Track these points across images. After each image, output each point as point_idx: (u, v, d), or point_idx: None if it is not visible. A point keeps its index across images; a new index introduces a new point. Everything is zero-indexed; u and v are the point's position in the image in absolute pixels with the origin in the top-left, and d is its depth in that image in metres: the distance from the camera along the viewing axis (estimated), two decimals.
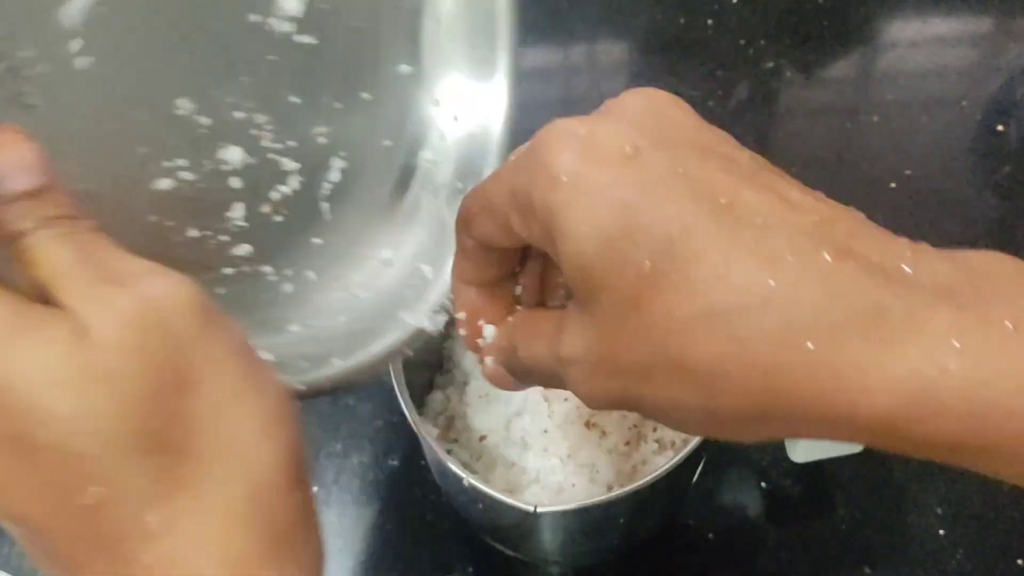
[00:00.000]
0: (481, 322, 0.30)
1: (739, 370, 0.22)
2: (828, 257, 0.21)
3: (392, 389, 0.38)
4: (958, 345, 0.20)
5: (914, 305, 0.21)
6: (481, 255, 0.29)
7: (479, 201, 0.27)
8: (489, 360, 0.30)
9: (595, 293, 0.23)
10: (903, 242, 0.23)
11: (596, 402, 0.26)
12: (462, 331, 0.31)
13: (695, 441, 0.36)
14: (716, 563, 0.53)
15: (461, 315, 0.30)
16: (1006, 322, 0.20)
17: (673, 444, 0.41)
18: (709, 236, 0.22)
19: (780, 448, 0.50)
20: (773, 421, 0.22)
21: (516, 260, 0.30)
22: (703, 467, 0.46)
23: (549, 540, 0.42)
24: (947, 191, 0.69)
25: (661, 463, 0.36)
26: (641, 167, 0.23)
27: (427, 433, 0.37)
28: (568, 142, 0.24)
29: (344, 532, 0.55)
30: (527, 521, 0.39)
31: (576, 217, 0.23)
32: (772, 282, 0.21)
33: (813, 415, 0.21)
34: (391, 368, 0.39)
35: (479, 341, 0.30)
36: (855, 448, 0.48)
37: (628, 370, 0.24)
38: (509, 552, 0.49)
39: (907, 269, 0.22)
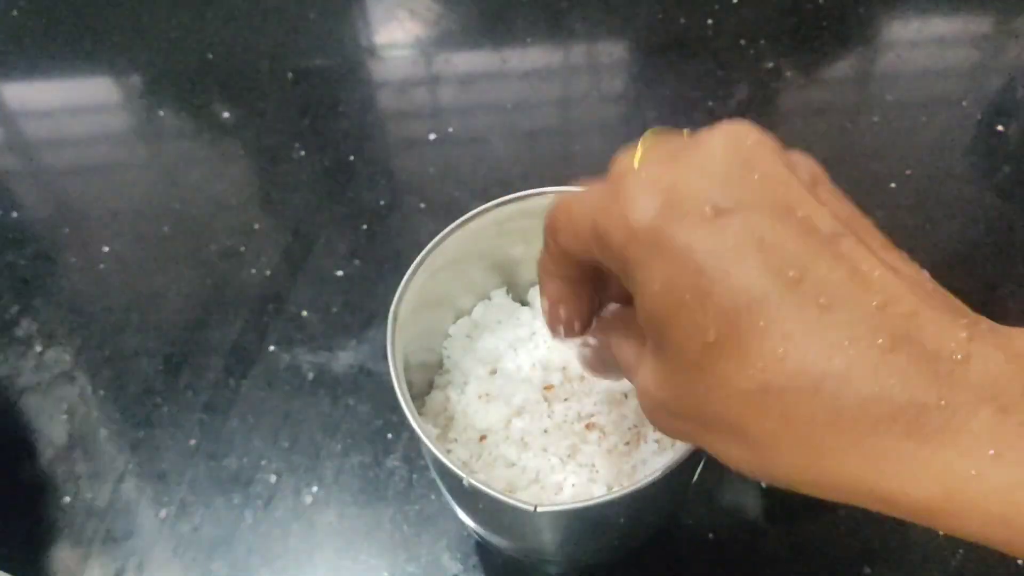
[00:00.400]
0: (562, 310, 0.32)
1: (789, 447, 0.23)
2: (884, 344, 0.22)
3: (391, 389, 0.38)
4: (992, 452, 0.21)
5: (958, 405, 0.21)
6: (565, 258, 0.30)
7: (565, 217, 0.28)
8: (585, 351, 0.33)
9: (664, 345, 0.25)
10: (961, 322, 0.23)
11: (662, 431, 0.28)
12: (545, 316, 0.33)
13: None
14: (716, 563, 0.53)
15: (544, 302, 0.32)
16: None
17: (673, 444, 0.40)
18: (773, 314, 0.22)
19: None
20: (822, 491, 0.24)
21: (597, 267, 0.30)
22: (703, 467, 0.46)
23: (549, 540, 0.42)
24: (947, 191, 0.69)
25: (661, 463, 0.36)
26: (719, 231, 0.23)
27: (426, 433, 0.37)
28: (649, 195, 0.24)
29: (343, 532, 0.55)
30: (527, 520, 0.39)
31: (650, 275, 0.24)
32: (826, 368, 0.22)
33: (856, 495, 0.23)
34: (390, 368, 0.39)
35: (557, 333, 0.33)
36: None
37: (691, 418, 0.25)
38: (509, 552, 0.49)
39: (958, 357, 0.22)
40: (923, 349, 0.22)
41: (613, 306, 0.33)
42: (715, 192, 0.24)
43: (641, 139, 0.29)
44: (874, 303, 0.23)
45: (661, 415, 0.27)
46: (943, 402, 0.21)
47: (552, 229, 0.29)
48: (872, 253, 0.24)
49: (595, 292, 0.32)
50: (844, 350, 0.22)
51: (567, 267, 0.30)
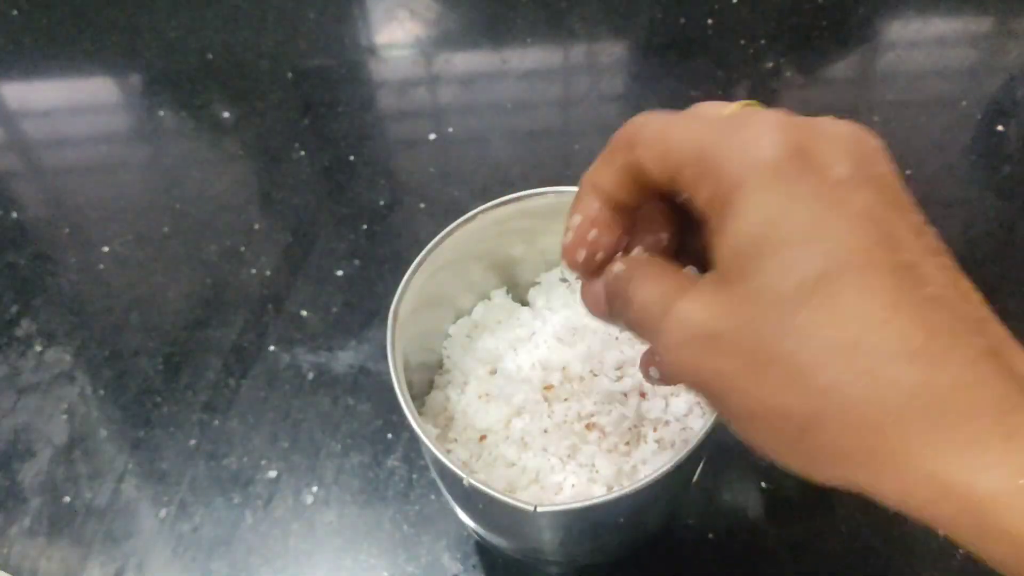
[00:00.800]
0: (593, 233, 0.30)
1: (845, 418, 0.23)
2: (981, 351, 0.23)
3: (391, 389, 0.38)
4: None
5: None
6: (627, 176, 0.29)
7: (657, 136, 0.27)
8: (597, 283, 0.31)
9: (748, 276, 0.24)
10: None
11: (677, 373, 0.26)
12: (568, 236, 0.31)
13: (695, 441, 0.36)
14: (716, 564, 0.53)
15: (576, 218, 0.30)
16: None
17: (673, 444, 0.40)
18: (877, 284, 0.23)
19: None
20: (846, 478, 0.23)
21: (648, 197, 0.30)
22: (703, 467, 0.46)
23: (549, 540, 0.42)
24: (947, 191, 0.69)
25: (661, 463, 0.36)
26: (843, 195, 0.24)
27: (426, 433, 0.37)
28: (785, 137, 0.24)
29: (343, 531, 0.55)
30: (527, 521, 0.39)
31: (764, 206, 0.24)
32: (916, 357, 0.22)
33: (888, 498, 0.23)
34: (390, 367, 0.39)
35: (577, 255, 0.31)
36: None
37: (739, 355, 0.24)
38: (509, 552, 0.49)
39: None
40: (1011, 366, 0.23)
41: (639, 250, 0.31)
42: (842, 163, 0.24)
43: (737, 103, 0.29)
44: (974, 315, 0.24)
45: (696, 349, 0.25)
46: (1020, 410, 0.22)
47: (630, 143, 0.28)
48: (966, 279, 0.25)
49: (628, 232, 0.31)
50: (942, 343, 0.22)
51: (624, 188, 0.29)
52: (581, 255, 0.31)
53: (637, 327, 0.29)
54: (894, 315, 0.22)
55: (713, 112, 0.28)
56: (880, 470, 0.23)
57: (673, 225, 0.31)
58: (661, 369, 0.27)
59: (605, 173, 0.29)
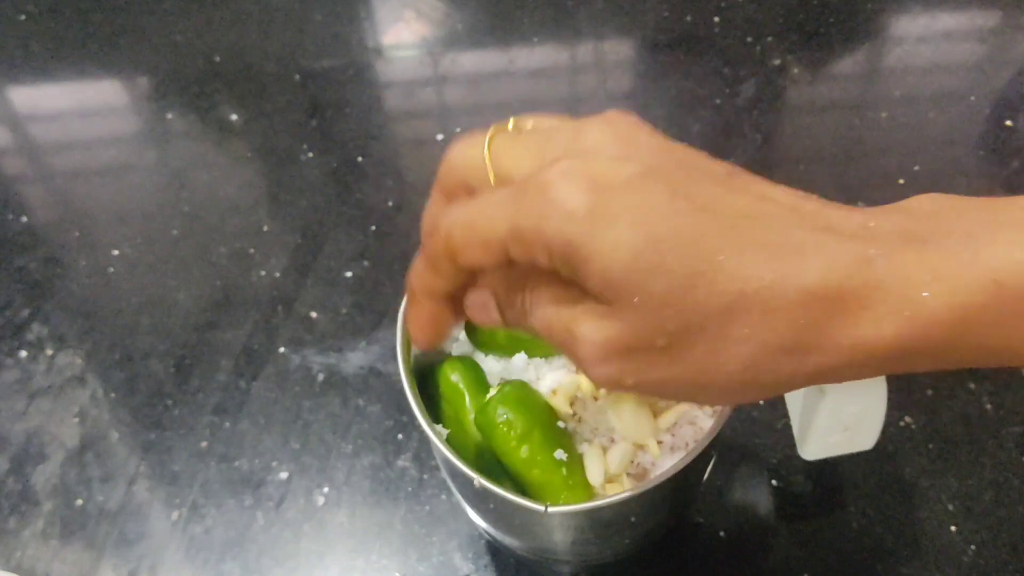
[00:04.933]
0: (438, 327, 0.33)
1: (766, 351, 0.26)
2: (811, 234, 0.25)
3: (401, 390, 0.38)
4: (928, 278, 0.24)
5: (890, 251, 0.25)
6: (456, 275, 0.31)
7: (467, 234, 0.29)
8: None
9: (626, 298, 0.26)
10: (856, 208, 0.27)
11: (602, 382, 0.28)
12: (419, 335, 0.33)
13: (705, 441, 0.36)
14: (727, 561, 0.53)
15: (419, 320, 0.33)
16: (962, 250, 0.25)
17: (685, 444, 0.40)
18: (719, 237, 0.25)
19: (791, 446, 0.50)
20: (790, 383, 0.27)
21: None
22: (713, 466, 0.46)
23: (559, 540, 0.42)
24: (956, 187, 0.69)
25: (671, 463, 0.36)
26: (645, 192, 0.26)
27: (437, 434, 0.37)
28: (575, 180, 0.26)
29: (355, 532, 0.55)
30: (538, 521, 0.39)
31: (600, 243, 0.26)
32: (778, 266, 0.25)
33: (836, 365, 0.26)
34: (400, 368, 0.39)
35: (433, 343, 0.33)
36: (866, 446, 0.48)
37: (653, 350, 0.27)
38: (520, 552, 0.49)
39: (871, 225, 0.26)
40: (841, 230, 0.26)
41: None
42: (625, 166, 0.27)
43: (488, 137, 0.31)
44: (786, 209, 0.26)
45: (612, 361, 0.27)
46: (879, 252, 0.25)
47: (451, 252, 0.29)
48: (760, 182, 0.28)
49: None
50: (790, 246, 0.25)
51: (453, 280, 0.31)
52: (430, 345, 0.34)
53: (545, 339, 0.30)
54: (745, 258, 0.25)
55: (480, 177, 0.31)
56: (831, 331, 0.25)
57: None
58: (590, 378, 0.29)
59: (434, 281, 0.32)
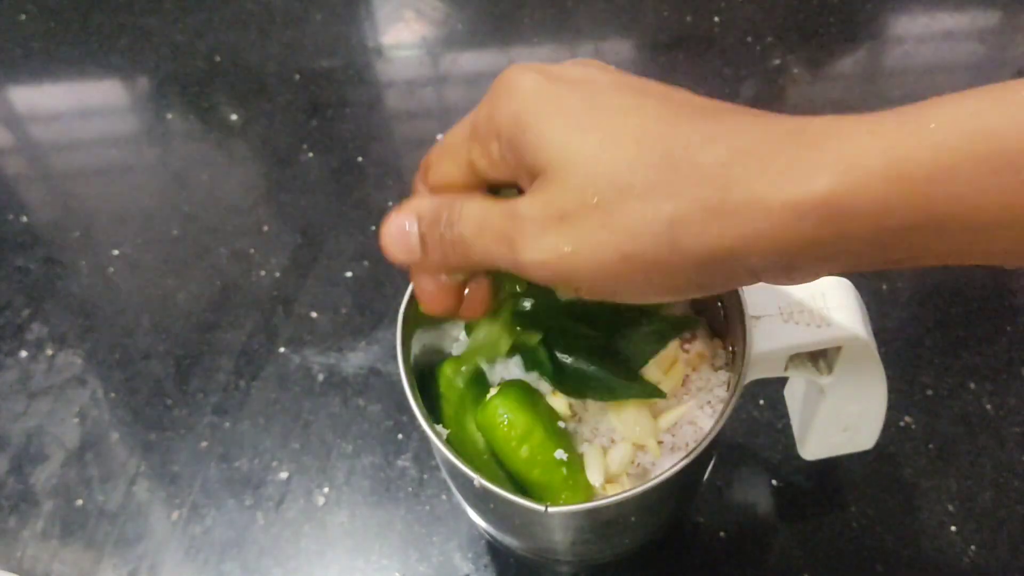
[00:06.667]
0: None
1: (692, 208, 0.25)
2: (751, 117, 0.26)
3: (401, 389, 0.38)
4: (866, 134, 0.24)
5: (825, 120, 0.25)
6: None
7: (437, 151, 0.32)
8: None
9: (561, 165, 0.27)
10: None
11: (544, 259, 0.28)
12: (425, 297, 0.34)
13: (705, 441, 0.36)
14: (727, 561, 0.53)
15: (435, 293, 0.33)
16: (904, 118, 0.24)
17: (686, 445, 0.40)
18: (657, 110, 0.27)
19: (791, 446, 0.50)
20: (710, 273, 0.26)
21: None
22: (714, 465, 0.46)
23: (560, 539, 0.42)
24: None
25: (671, 463, 0.36)
26: (588, 79, 0.28)
27: (437, 433, 0.37)
28: (527, 71, 0.29)
29: (355, 532, 0.55)
30: (538, 521, 0.39)
31: (542, 110, 0.27)
32: (710, 127, 0.26)
33: (766, 230, 0.24)
34: (400, 368, 0.39)
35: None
36: (866, 445, 0.48)
37: (587, 209, 0.26)
38: (520, 551, 0.49)
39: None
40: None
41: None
42: (574, 68, 0.29)
43: None
44: (730, 107, 0.27)
45: (549, 231, 0.27)
46: (788, 130, 0.25)
47: (423, 171, 0.33)
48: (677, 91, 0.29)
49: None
50: (723, 117, 0.26)
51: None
52: (448, 309, 0.34)
53: (486, 253, 0.30)
54: (604, 152, 0.26)
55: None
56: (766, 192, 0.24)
57: None
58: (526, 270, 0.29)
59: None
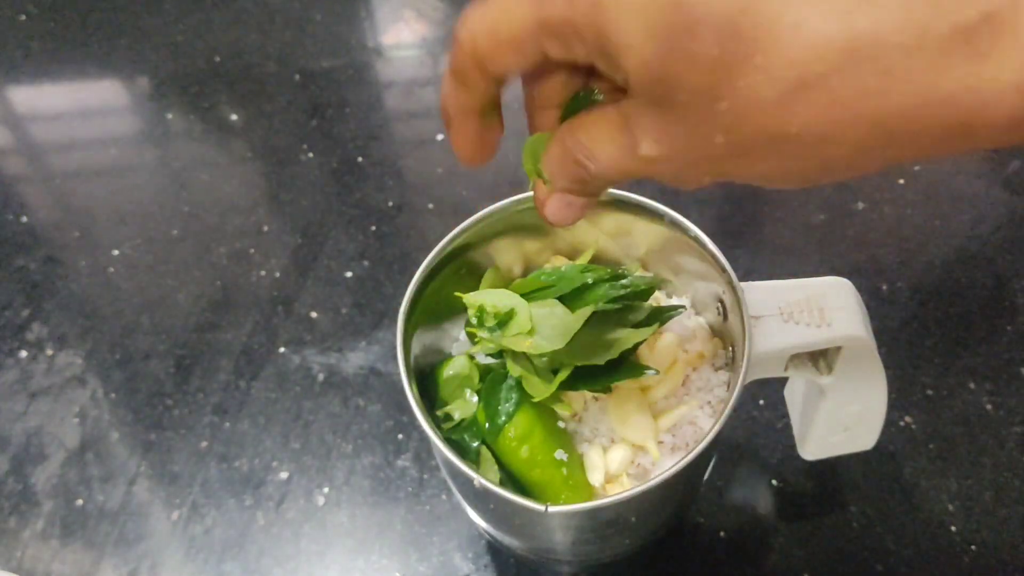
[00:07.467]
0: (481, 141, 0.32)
1: (850, 129, 0.22)
2: None
3: (401, 390, 0.38)
4: None
5: (1002, 16, 0.20)
6: (488, 86, 0.29)
7: (494, 38, 0.27)
8: (555, 198, 0.31)
9: (670, 92, 0.24)
10: None
11: (689, 186, 0.26)
12: (462, 153, 0.33)
13: (705, 441, 0.36)
14: (727, 561, 0.53)
15: (473, 139, 0.32)
16: None
17: (686, 445, 0.41)
18: (772, 6, 0.22)
19: (791, 446, 0.50)
20: (888, 154, 0.23)
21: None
22: (714, 466, 0.46)
23: (560, 539, 0.42)
24: (956, 186, 0.69)
25: (671, 463, 0.36)
26: None
27: (437, 434, 0.37)
28: None
29: (355, 532, 0.55)
30: (538, 520, 0.39)
31: (632, 29, 0.23)
32: (853, 33, 0.21)
33: (933, 140, 0.22)
34: (400, 368, 0.39)
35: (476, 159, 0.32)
36: (866, 446, 0.48)
37: (722, 154, 0.24)
38: (520, 551, 0.49)
39: None
40: None
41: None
42: None
43: None
44: None
45: (687, 169, 0.26)
46: (987, 14, 0.20)
47: (479, 61, 0.27)
48: None
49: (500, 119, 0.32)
50: (855, 5, 0.21)
51: (487, 96, 0.29)
52: (478, 160, 0.33)
53: (619, 181, 0.28)
54: (810, 29, 0.21)
55: None
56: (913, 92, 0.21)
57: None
58: (676, 186, 0.27)
59: (465, 97, 0.29)
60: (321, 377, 0.62)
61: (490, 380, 0.40)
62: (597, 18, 0.24)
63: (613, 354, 0.37)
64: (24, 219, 0.74)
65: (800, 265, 0.65)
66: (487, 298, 0.38)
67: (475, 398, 0.41)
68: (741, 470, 0.56)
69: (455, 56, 0.28)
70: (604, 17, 0.24)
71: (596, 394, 0.40)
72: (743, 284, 0.39)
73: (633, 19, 0.23)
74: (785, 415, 0.54)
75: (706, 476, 0.46)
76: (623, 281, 0.39)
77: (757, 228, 0.68)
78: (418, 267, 0.41)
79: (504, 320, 0.38)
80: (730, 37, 0.22)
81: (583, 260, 0.44)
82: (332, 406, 0.60)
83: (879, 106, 0.21)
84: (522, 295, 0.39)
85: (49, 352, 0.65)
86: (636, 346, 0.39)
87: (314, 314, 0.65)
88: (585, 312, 0.36)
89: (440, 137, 0.76)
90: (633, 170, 0.27)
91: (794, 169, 0.24)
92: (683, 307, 0.43)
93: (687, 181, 0.26)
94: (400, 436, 0.58)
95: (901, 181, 0.69)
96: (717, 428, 0.36)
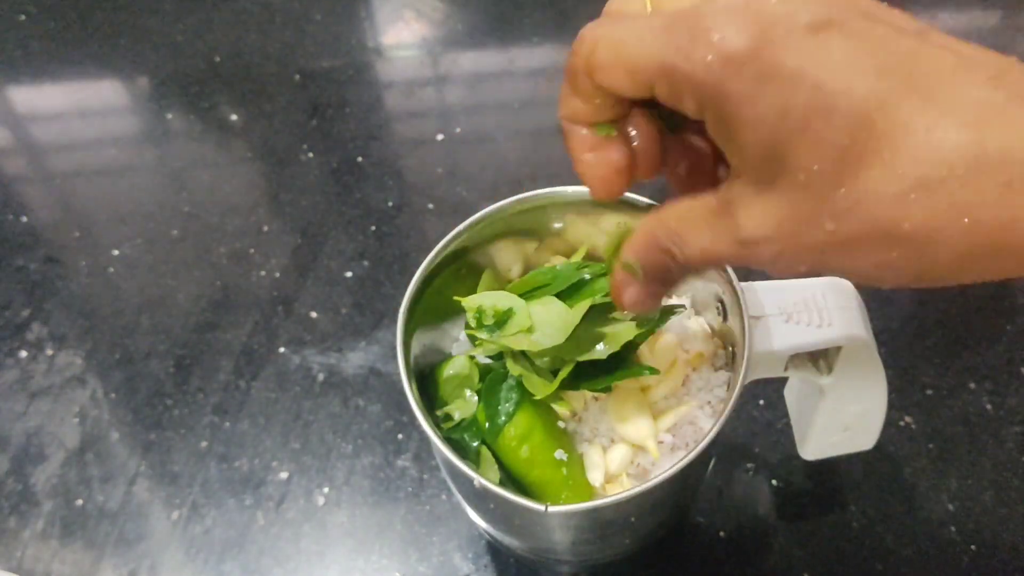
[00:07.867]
0: (602, 157, 0.30)
1: (961, 235, 0.22)
2: (1018, 102, 0.22)
3: (401, 390, 0.38)
4: None
5: None
6: (600, 97, 0.28)
7: (611, 55, 0.26)
8: (635, 287, 0.30)
9: (787, 172, 0.23)
10: None
11: (783, 272, 0.26)
12: (584, 175, 0.31)
13: (705, 441, 0.36)
14: (727, 561, 0.53)
15: (588, 156, 0.31)
16: None
17: (686, 445, 0.40)
18: (908, 108, 0.22)
19: (791, 446, 0.50)
20: (991, 266, 0.23)
21: (629, 106, 0.29)
22: (713, 466, 0.46)
23: (559, 539, 0.42)
24: None
25: (671, 463, 0.36)
26: (823, 45, 0.23)
27: (437, 434, 0.37)
28: (737, 24, 0.23)
29: (355, 532, 0.55)
30: (538, 520, 0.39)
31: (762, 104, 0.23)
32: (980, 141, 0.21)
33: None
34: (400, 368, 0.39)
35: (610, 188, 0.31)
36: (866, 446, 0.48)
37: (827, 242, 0.24)
38: (520, 551, 0.49)
39: None
40: None
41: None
42: (803, 11, 0.23)
43: None
44: (989, 75, 0.22)
45: (789, 254, 0.25)
46: None
47: (591, 67, 0.27)
48: (958, 40, 0.24)
49: (628, 151, 0.30)
50: (991, 121, 0.21)
51: (602, 109, 0.29)
52: (600, 188, 0.31)
53: (711, 267, 0.28)
54: (941, 132, 0.22)
55: (637, 7, 0.27)
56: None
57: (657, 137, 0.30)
58: (774, 275, 0.27)
59: (577, 104, 0.29)
60: (321, 377, 0.62)
61: (490, 380, 0.40)
62: (726, 86, 0.23)
63: (615, 347, 0.37)
64: (24, 219, 0.74)
65: None
66: (485, 300, 0.39)
67: (475, 398, 0.41)
68: (741, 470, 0.56)
69: (572, 54, 0.28)
70: (735, 87, 0.23)
71: (596, 394, 0.40)
72: (743, 284, 0.39)
73: (768, 96, 0.23)
74: (785, 415, 0.54)
75: (705, 476, 0.46)
76: None
77: None
78: (418, 267, 0.41)
79: (503, 319, 0.38)
80: (863, 129, 0.22)
81: (577, 257, 0.44)
82: (332, 406, 0.60)
83: (993, 216, 0.22)
84: (520, 294, 0.39)
85: (49, 352, 0.65)
86: (637, 344, 0.39)
87: (314, 314, 0.65)
88: (583, 306, 0.36)
89: (440, 137, 0.76)
90: (727, 256, 0.27)
91: (895, 267, 0.24)
92: (683, 307, 0.43)
93: (783, 267, 0.26)
94: (400, 436, 0.58)
95: None
96: (717, 428, 0.36)
